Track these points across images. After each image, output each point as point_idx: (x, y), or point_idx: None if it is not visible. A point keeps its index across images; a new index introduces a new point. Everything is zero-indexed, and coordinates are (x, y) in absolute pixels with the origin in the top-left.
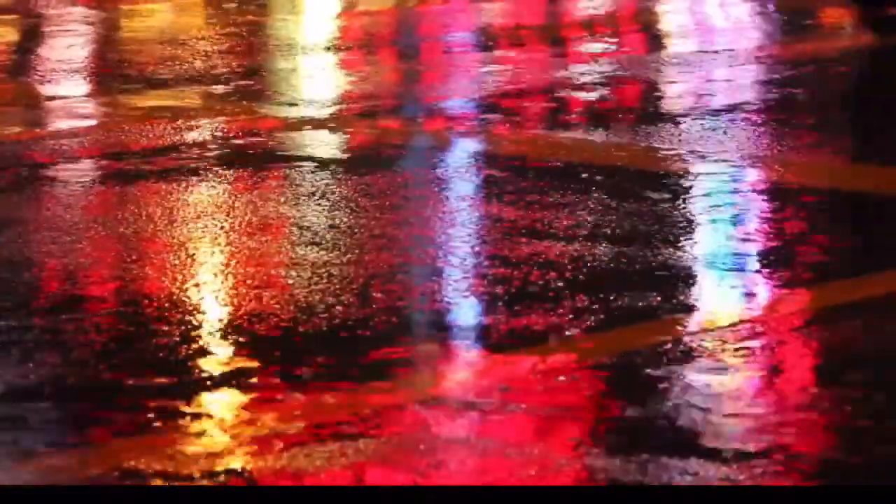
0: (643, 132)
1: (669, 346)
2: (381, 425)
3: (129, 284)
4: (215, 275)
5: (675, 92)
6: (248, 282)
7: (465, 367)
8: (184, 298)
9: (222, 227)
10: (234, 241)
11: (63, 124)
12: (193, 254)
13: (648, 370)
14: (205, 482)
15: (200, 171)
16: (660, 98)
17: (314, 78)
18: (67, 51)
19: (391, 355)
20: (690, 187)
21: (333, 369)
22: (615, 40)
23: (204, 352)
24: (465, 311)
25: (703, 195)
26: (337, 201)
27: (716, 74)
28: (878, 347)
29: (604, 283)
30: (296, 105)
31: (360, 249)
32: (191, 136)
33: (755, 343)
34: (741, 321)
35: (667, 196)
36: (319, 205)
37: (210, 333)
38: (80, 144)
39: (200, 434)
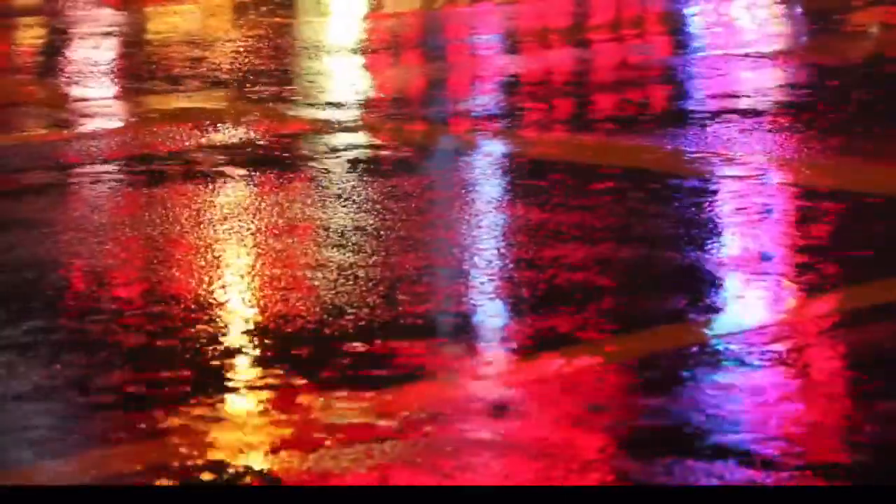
0: (670, 134)
1: (696, 348)
2: (407, 427)
3: (156, 286)
4: (242, 276)
5: (702, 94)
6: (275, 283)
7: (490, 369)
8: (210, 300)
9: (249, 229)
10: (261, 243)
11: (90, 126)
12: (220, 255)
13: (675, 372)
14: (230, 483)
15: (227, 173)
16: (687, 100)
17: (341, 80)
18: (94, 52)
19: (417, 357)
20: (717, 190)
21: (359, 371)
22: (642, 42)
23: (230, 353)
24: (491, 314)
25: (730, 197)
26: (363, 203)
27: (743, 76)
28: None
29: (630, 285)
30: (322, 107)
31: (386, 251)
32: (217, 138)
33: (782, 346)
34: (768, 324)
35: (693, 198)
36: (345, 207)
37: (236, 335)
38: (106, 146)
39: (227, 435)
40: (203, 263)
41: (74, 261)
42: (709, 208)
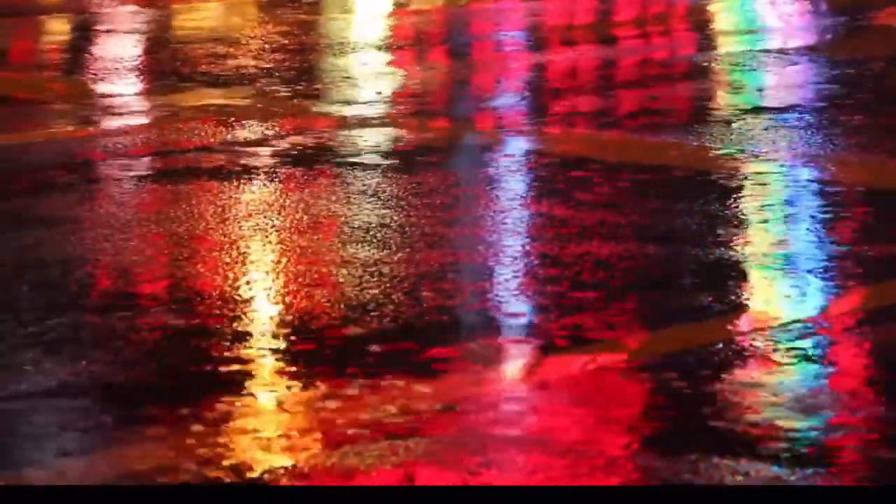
0: (695, 131)
1: (720, 345)
2: (431, 424)
3: (181, 282)
4: (266, 273)
5: (727, 91)
6: (299, 280)
7: (515, 366)
8: (235, 296)
9: (273, 226)
10: (286, 240)
11: (115, 122)
12: (245, 252)
13: (699, 370)
14: (255, 480)
15: (252, 170)
16: (711, 97)
17: (365, 77)
18: (120, 49)
19: (442, 354)
20: (742, 186)
21: (384, 368)
22: (667, 39)
23: (255, 350)
24: (516, 310)
25: (755, 194)
26: (388, 200)
27: (768, 73)
28: None
29: (654, 282)
30: (347, 104)
31: (411, 248)
32: (242, 135)
33: (807, 343)
34: (793, 321)
35: (718, 195)
36: (370, 203)
37: (261, 331)
38: (132, 142)
39: (251, 432)
40: (228, 260)
41: (100, 257)
42: (734, 205)
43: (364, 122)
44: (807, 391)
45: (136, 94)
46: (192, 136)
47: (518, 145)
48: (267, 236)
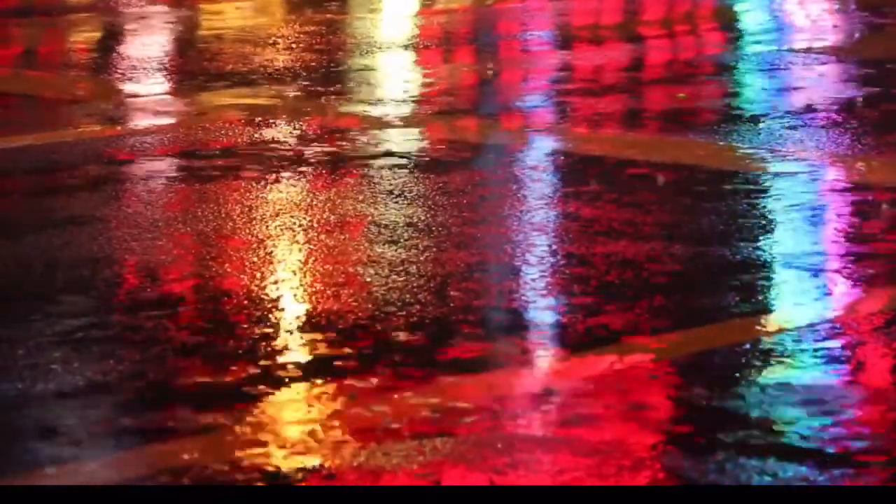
0: (722, 131)
1: (748, 345)
2: (458, 424)
3: (209, 282)
4: (294, 272)
5: (755, 91)
6: (326, 279)
7: (542, 365)
8: (262, 296)
9: (300, 225)
10: (312, 239)
11: (143, 122)
12: (272, 251)
13: (727, 370)
14: (282, 480)
15: (279, 169)
16: (739, 97)
17: (392, 76)
18: (147, 49)
19: (468, 354)
20: (770, 186)
21: (411, 368)
22: (694, 39)
23: (282, 349)
24: (543, 310)
25: (783, 194)
26: (414, 199)
27: (795, 73)
28: None
29: (681, 282)
30: (374, 103)
31: (438, 248)
32: (269, 134)
33: (834, 343)
34: (820, 321)
35: (746, 195)
36: (397, 203)
37: (288, 331)
38: (159, 142)
39: (277, 432)
40: (255, 259)
41: (128, 257)
42: (761, 205)
43: (391, 122)
44: (834, 392)
45: (164, 93)
46: (220, 135)
47: (544, 145)
48: (294, 235)
